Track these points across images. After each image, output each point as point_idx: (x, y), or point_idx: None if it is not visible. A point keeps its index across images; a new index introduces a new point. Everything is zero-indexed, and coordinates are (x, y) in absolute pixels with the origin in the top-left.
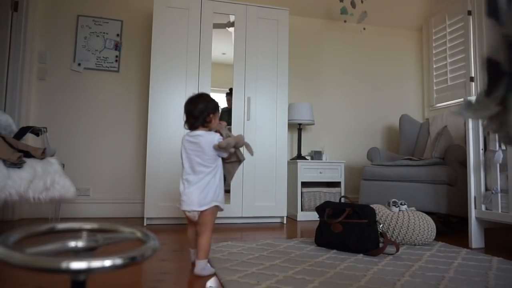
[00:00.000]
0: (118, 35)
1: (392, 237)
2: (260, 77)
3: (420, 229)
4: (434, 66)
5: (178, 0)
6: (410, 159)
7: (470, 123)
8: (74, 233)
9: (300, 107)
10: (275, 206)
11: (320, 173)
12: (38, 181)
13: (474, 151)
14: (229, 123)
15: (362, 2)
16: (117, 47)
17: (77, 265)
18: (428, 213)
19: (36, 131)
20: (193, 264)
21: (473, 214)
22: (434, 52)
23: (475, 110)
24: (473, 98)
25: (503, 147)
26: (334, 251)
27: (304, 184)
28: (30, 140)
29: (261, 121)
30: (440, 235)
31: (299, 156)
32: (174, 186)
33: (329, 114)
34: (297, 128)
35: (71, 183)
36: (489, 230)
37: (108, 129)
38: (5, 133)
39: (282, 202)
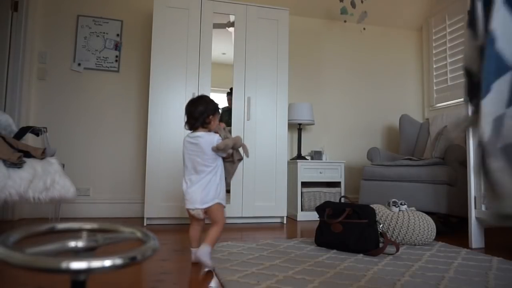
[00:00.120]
0: (118, 35)
1: (392, 237)
2: (260, 77)
3: (420, 229)
4: (434, 66)
5: (178, 0)
6: (410, 159)
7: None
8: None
9: (300, 107)
10: (275, 206)
11: (320, 173)
12: (38, 181)
13: (474, 151)
14: (230, 123)
15: (362, 2)
16: (117, 47)
17: (77, 265)
18: (428, 213)
19: (36, 131)
20: (193, 264)
21: (473, 214)
22: (434, 52)
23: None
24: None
25: None
26: (334, 251)
27: (304, 184)
28: (30, 140)
29: (261, 121)
30: (440, 235)
31: (299, 156)
32: (174, 186)
33: (329, 114)
34: (297, 128)
35: (71, 183)
36: (489, 230)
37: (108, 129)
38: (5, 133)
39: (282, 202)
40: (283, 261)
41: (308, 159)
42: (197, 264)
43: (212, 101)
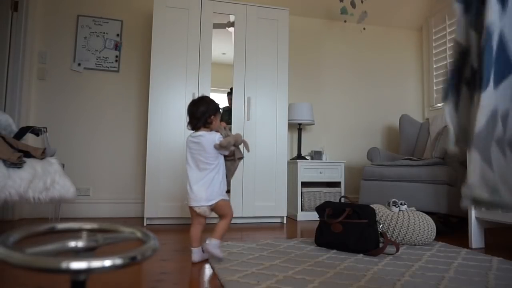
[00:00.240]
0: (118, 35)
1: (392, 237)
2: (260, 77)
3: (420, 229)
4: (434, 66)
5: (178, 0)
6: (410, 159)
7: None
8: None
9: (300, 107)
10: (275, 206)
11: (320, 173)
12: (38, 181)
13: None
14: (230, 123)
15: (362, 2)
16: (117, 47)
17: (77, 265)
18: (428, 213)
19: (36, 131)
20: (194, 264)
21: (473, 214)
22: (434, 52)
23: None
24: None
25: None
26: (334, 251)
27: (304, 184)
28: (30, 140)
29: (261, 121)
30: (440, 235)
31: (299, 156)
32: (174, 186)
33: (329, 114)
34: (297, 128)
35: (71, 183)
36: (489, 230)
37: (108, 129)
38: (5, 133)
39: (282, 202)
40: (283, 261)
41: (308, 159)
42: (197, 264)
43: (213, 101)
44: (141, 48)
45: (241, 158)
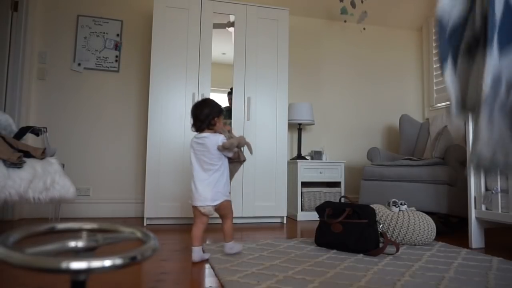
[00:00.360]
0: (118, 35)
1: (392, 237)
2: (260, 77)
3: (420, 229)
4: (434, 66)
5: (178, 0)
6: (410, 159)
7: (470, 123)
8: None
9: (300, 107)
10: (275, 206)
11: (320, 173)
12: (38, 181)
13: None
14: (230, 123)
15: (362, 2)
16: (117, 47)
17: (77, 265)
18: (428, 213)
19: (36, 131)
20: (194, 264)
21: (473, 214)
22: (434, 52)
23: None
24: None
25: None
26: (334, 251)
27: (304, 184)
28: (30, 140)
29: (261, 121)
30: (440, 235)
31: (299, 156)
32: (174, 186)
33: (329, 114)
34: (297, 128)
35: (71, 183)
36: (489, 230)
37: (108, 129)
38: (5, 133)
39: (282, 202)
40: (283, 261)
41: (308, 159)
42: (197, 264)
43: (216, 104)
44: (141, 48)
45: (244, 160)
